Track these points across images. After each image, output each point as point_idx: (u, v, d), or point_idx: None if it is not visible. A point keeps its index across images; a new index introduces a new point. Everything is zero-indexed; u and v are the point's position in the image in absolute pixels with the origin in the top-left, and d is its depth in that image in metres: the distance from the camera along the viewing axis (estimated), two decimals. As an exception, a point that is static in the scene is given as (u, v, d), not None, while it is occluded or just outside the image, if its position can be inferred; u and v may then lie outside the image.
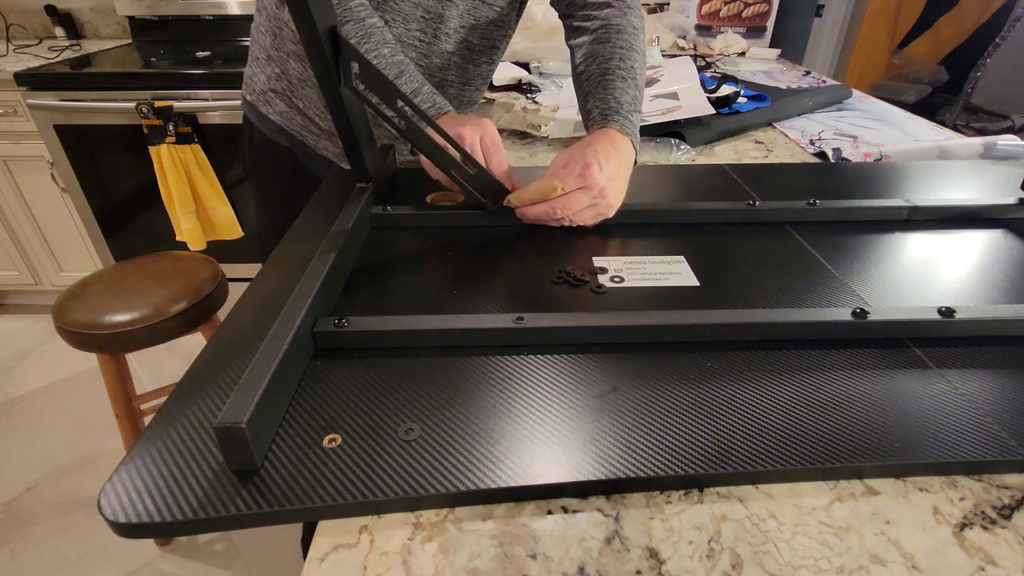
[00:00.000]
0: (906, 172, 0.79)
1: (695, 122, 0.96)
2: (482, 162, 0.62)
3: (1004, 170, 0.80)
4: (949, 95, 2.67)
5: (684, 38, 1.83)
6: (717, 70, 1.42)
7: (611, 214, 0.62)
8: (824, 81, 1.35)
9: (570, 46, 0.80)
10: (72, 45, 2.06)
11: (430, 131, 0.58)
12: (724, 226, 0.64)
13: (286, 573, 1.29)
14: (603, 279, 0.54)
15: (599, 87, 0.70)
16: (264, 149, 0.87)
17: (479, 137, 0.62)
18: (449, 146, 0.59)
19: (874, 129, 1.03)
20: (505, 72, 1.33)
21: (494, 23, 0.79)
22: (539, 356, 0.44)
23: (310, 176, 0.86)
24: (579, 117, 1.03)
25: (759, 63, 1.60)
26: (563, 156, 0.61)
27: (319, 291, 0.45)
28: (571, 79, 1.29)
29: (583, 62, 0.74)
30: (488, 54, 0.83)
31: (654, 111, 0.98)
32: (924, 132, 1.02)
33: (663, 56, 1.45)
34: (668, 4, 1.99)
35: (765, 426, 0.38)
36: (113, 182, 1.83)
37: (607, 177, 0.59)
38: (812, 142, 0.96)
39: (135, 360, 1.86)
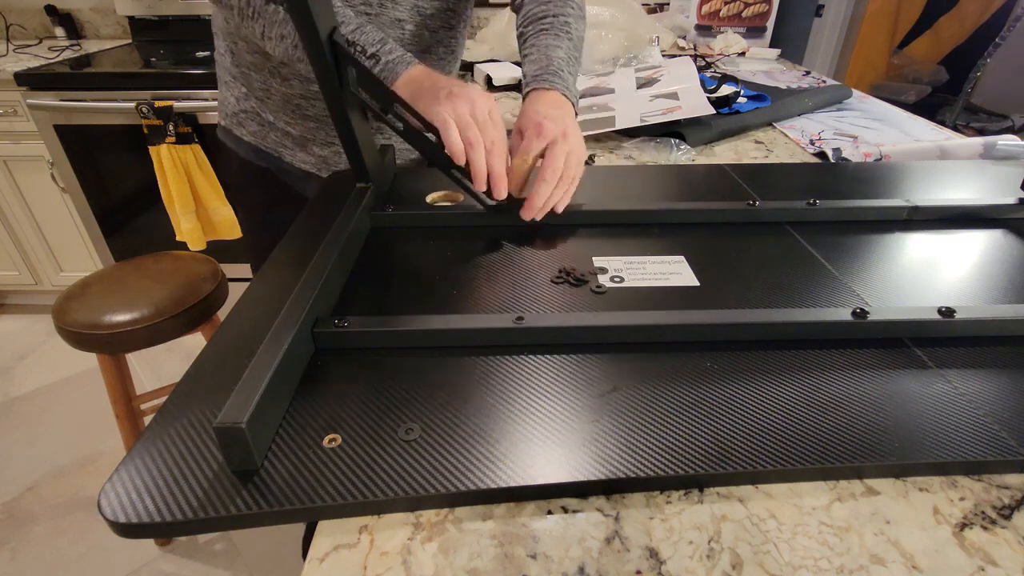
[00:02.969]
0: (906, 172, 0.79)
1: (695, 122, 0.96)
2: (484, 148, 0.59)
3: (1004, 170, 0.80)
4: (949, 95, 2.67)
5: (684, 38, 1.83)
6: (717, 70, 1.42)
7: (584, 155, 0.63)
8: (824, 81, 1.35)
9: (514, 11, 0.80)
10: (72, 45, 2.06)
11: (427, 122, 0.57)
12: (724, 226, 0.64)
13: (286, 573, 1.29)
14: (603, 279, 0.54)
15: (533, 47, 0.71)
16: (242, 171, 0.86)
17: (473, 118, 0.57)
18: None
19: (874, 129, 1.03)
20: (505, 72, 1.33)
21: None
22: (539, 356, 0.44)
23: (291, 192, 0.84)
24: (579, 117, 1.03)
25: (759, 63, 1.60)
26: (515, 137, 0.63)
27: (319, 291, 0.45)
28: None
29: (520, 24, 0.76)
30: (444, 18, 0.78)
31: (654, 111, 0.98)
32: (924, 132, 1.02)
33: (663, 56, 1.44)
34: (668, 4, 1.99)
35: (765, 426, 0.38)
36: (113, 182, 1.83)
37: (560, 123, 0.61)
38: (812, 142, 0.96)
39: (135, 360, 1.86)
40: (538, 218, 0.60)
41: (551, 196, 0.60)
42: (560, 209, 0.61)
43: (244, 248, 0.96)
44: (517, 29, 0.77)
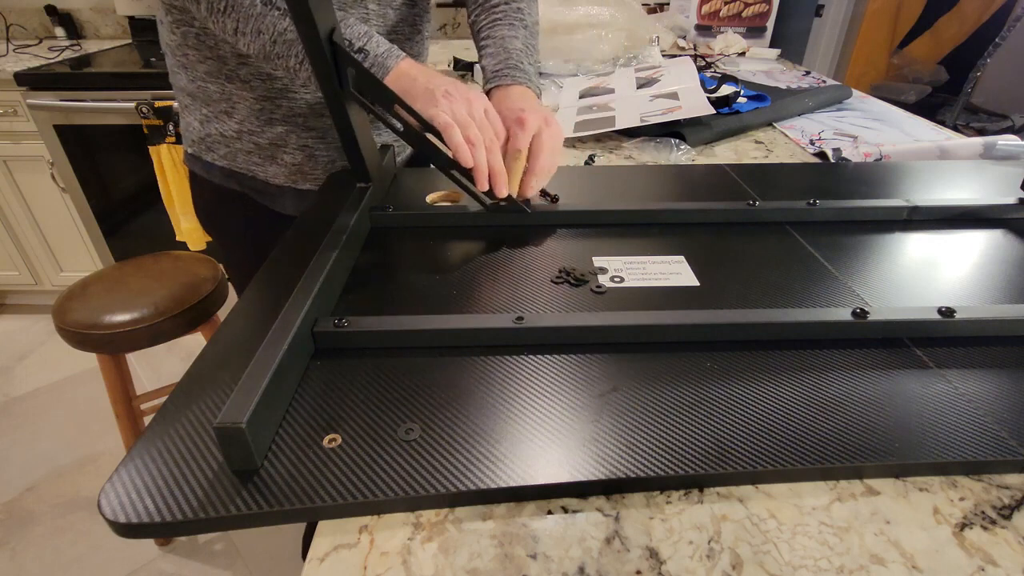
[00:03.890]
0: (906, 172, 0.79)
1: (695, 122, 0.96)
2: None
3: (1004, 170, 0.80)
4: (949, 95, 2.67)
5: (684, 38, 1.83)
6: (717, 70, 1.42)
7: (563, 136, 0.65)
8: (824, 81, 1.35)
9: (466, 3, 0.80)
10: (72, 45, 2.06)
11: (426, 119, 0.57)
12: (724, 226, 0.64)
13: (286, 573, 1.29)
14: (603, 279, 0.54)
15: (489, 39, 0.71)
16: (215, 198, 0.82)
17: (471, 117, 0.58)
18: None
19: (874, 129, 1.03)
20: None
21: None
22: (539, 356, 0.44)
23: (268, 212, 0.80)
24: (579, 117, 1.03)
25: (759, 63, 1.60)
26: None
27: (319, 291, 0.45)
28: (568, 78, 1.28)
29: (471, 11, 0.76)
30: None
31: (654, 111, 0.98)
32: (924, 132, 1.02)
33: (663, 56, 1.44)
34: (668, 4, 1.99)
35: (765, 426, 0.38)
36: (113, 182, 1.83)
37: (538, 112, 0.62)
38: (812, 142, 0.96)
39: (135, 360, 1.86)
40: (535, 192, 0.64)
41: (543, 185, 0.64)
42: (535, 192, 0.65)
43: (229, 274, 0.93)
44: (469, 17, 0.77)
